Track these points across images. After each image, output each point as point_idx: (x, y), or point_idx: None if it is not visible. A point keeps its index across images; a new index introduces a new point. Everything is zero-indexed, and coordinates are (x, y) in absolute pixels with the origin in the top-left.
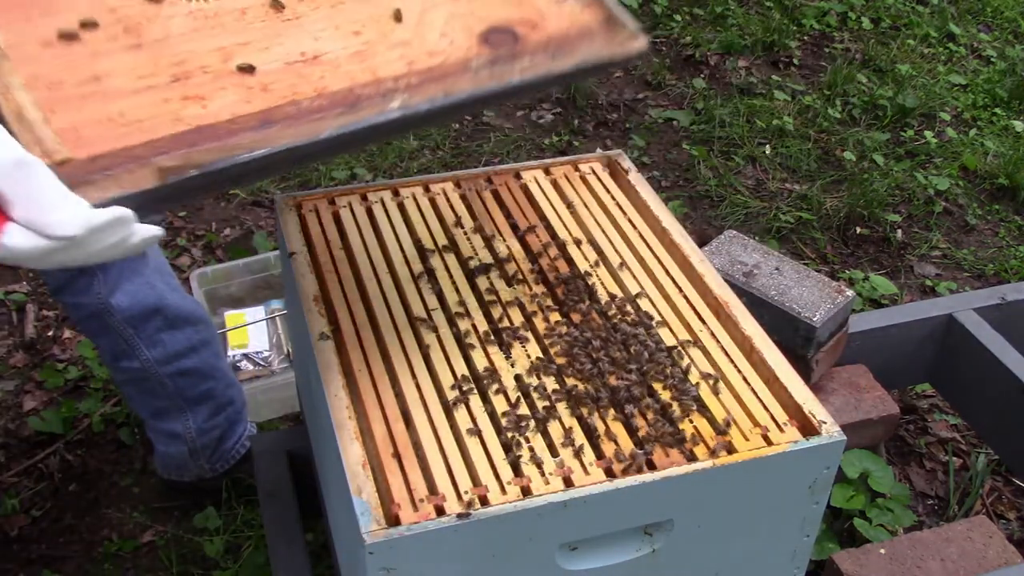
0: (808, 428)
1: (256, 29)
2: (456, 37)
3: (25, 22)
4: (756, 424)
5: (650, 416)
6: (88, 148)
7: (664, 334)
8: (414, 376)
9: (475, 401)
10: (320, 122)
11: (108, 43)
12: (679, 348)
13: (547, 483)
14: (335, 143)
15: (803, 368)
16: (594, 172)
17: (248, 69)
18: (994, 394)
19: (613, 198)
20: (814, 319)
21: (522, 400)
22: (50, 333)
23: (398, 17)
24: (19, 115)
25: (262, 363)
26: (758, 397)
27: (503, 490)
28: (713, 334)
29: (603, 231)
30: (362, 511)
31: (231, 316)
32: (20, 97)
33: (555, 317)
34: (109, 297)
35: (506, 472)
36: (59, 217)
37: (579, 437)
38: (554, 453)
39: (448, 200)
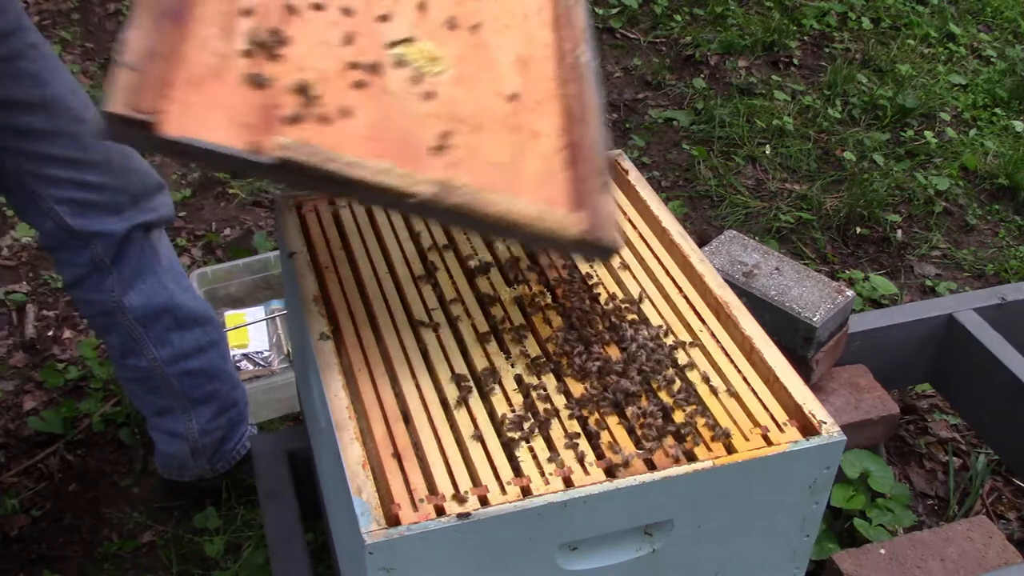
0: (808, 428)
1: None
2: None
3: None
4: (756, 424)
5: (650, 416)
6: None
7: (664, 334)
8: (414, 376)
9: (475, 401)
10: None
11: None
12: (679, 348)
13: (547, 483)
14: None
15: (803, 368)
16: None
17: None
18: (994, 394)
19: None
20: (814, 319)
21: (522, 400)
22: (50, 333)
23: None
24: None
25: (262, 363)
26: (758, 397)
27: (503, 490)
28: (713, 334)
29: None
30: (362, 511)
31: (231, 316)
32: None
33: (555, 317)
34: (122, 296)
35: (506, 472)
36: None
37: (579, 437)
38: (554, 453)
39: None
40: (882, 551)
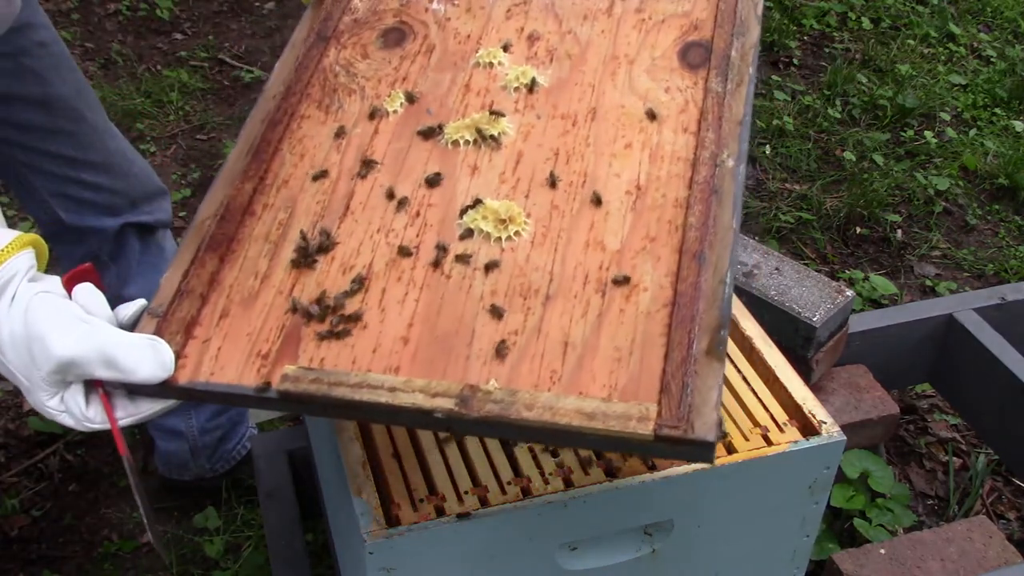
0: (808, 428)
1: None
2: None
3: None
4: (756, 424)
5: None
6: None
7: None
8: None
9: None
10: None
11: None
12: None
13: (547, 483)
14: None
15: (803, 368)
16: None
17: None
18: (994, 394)
19: None
20: (814, 319)
21: None
22: None
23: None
24: None
25: None
26: (758, 397)
27: (503, 490)
28: None
29: None
30: (362, 511)
31: None
32: None
33: None
34: (121, 290)
35: (506, 472)
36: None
37: None
38: (554, 453)
39: None
40: (882, 551)
